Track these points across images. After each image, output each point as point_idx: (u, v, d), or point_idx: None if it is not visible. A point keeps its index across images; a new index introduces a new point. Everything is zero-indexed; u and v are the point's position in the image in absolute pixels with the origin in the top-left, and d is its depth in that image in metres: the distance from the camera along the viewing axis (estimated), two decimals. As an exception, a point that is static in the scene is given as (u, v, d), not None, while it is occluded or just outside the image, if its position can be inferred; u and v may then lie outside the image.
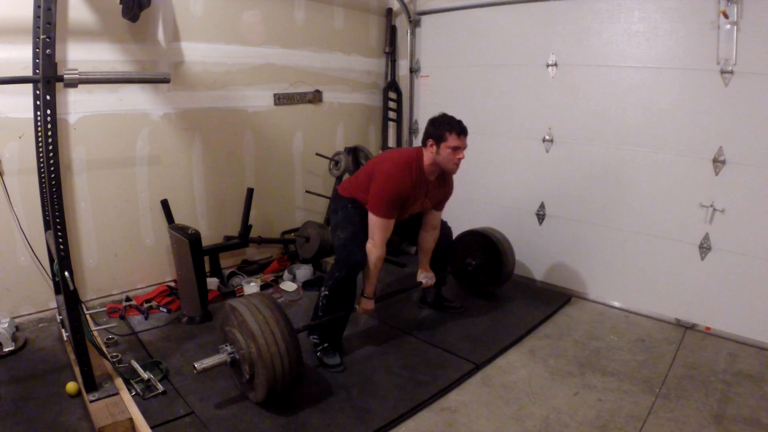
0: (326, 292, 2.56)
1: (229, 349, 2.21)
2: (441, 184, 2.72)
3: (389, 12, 4.40)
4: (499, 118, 3.83)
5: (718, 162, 2.87)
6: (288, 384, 2.15)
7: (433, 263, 2.99)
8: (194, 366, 2.13)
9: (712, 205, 2.92)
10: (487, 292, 3.44)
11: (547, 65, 3.49)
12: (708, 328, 3.01)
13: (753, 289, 2.84)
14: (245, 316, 2.11)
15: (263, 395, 2.12)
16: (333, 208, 2.80)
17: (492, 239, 3.32)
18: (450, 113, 2.71)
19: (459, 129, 2.48)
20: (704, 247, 3.00)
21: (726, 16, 2.69)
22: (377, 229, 2.51)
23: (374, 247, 2.53)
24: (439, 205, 2.83)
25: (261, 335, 2.06)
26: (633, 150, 3.19)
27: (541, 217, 3.71)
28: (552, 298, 3.48)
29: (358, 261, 2.54)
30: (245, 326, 2.11)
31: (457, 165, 2.56)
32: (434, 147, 2.51)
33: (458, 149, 2.50)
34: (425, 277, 2.93)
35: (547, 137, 3.58)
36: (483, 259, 3.35)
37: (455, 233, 3.26)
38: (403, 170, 2.53)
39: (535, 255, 3.74)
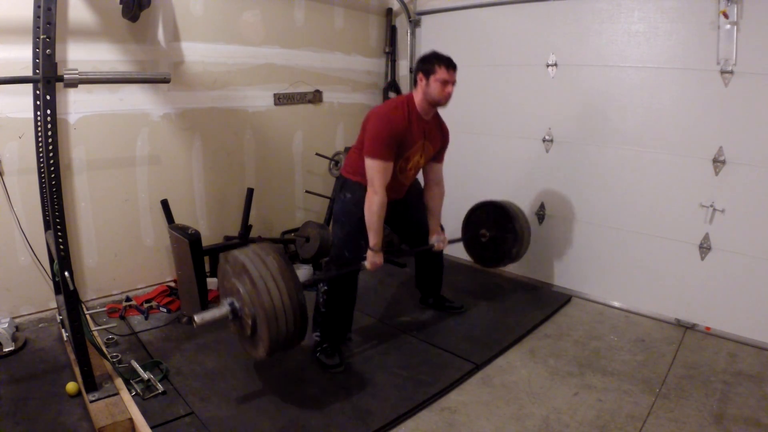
0: (325, 287, 2.56)
1: (229, 301, 2.12)
2: (437, 125, 2.67)
3: (389, 12, 4.40)
4: (499, 118, 3.83)
5: (718, 162, 2.87)
6: (292, 337, 2.06)
7: (426, 279, 3.01)
8: (193, 319, 2.03)
9: (712, 205, 2.92)
10: (510, 257, 3.36)
11: (547, 65, 3.49)
12: (708, 328, 3.01)
13: (753, 289, 2.84)
14: (247, 266, 2.02)
15: (265, 350, 2.02)
16: (335, 194, 2.74)
17: (498, 204, 3.32)
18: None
19: (448, 63, 2.46)
20: (704, 247, 3.00)
21: (726, 16, 2.69)
22: (375, 174, 2.39)
23: (374, 193, 2.39)
24: (439, 155, 2.76)
25: (261, 282, 1.96)
26: (633, 150, 3.19)
27: (541, 217, 3.71)
28: (552, 298, 3.47)
29: (350, 260, 2.53)
30: (247, 276, 2.01)
31: (446, 98, 2.50)
32: (424, 80, 2.47)
33: (447, 83, 2.46)
34: (437, 240, 2.84)
35: (547, 137, 3.58)
36: (498, 232, 3.32)
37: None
38: (393, 109, 2.47)
39: (535, 255, 3.73)
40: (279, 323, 1.97)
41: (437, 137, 2.67)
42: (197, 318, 2.03)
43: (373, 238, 2.46)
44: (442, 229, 2.92)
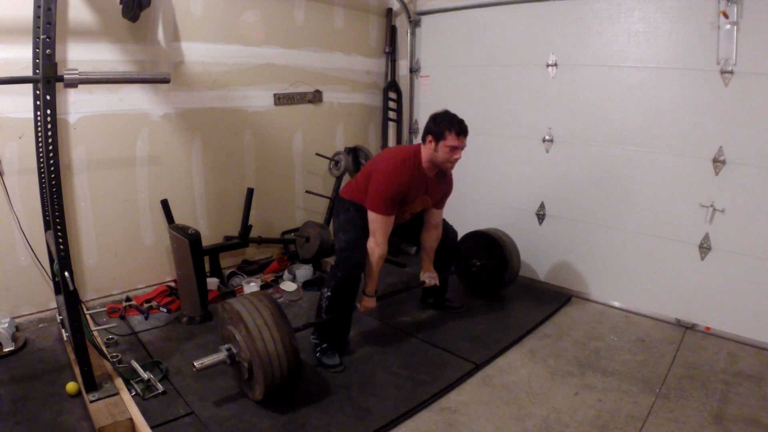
0: (329, 293, 2.56)
1: (227, 347, 2.22)
2: (440, 181, 2.70)
3: (389, 12, 4.40)
4: (499, 118, 3.83)
5: (718, 162, 2.87)
6: (287, 381, 2.14)
7: (436, 264, 2.98)
8: (194, 364, 2.13)
9: (712, 205, 2.92)
10: (492, 293, 3.41)
11: (547, 65, 3.49)
12: (708, 328, 3.01)
13: (753, 289, 2.84)
14: (242, 314, 2.12)
15: (261, 393, 2.12)
16: (335, 212, 2.80)
17: (497, 240, 3.30)
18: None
19: (459, 128, 2.46)
20: (704, 247, 3.00)
21: (726, 16, 2.69)
22: (378, 227, 2.50)
23: (376, 246, 2.52)
24: (440, 203, 2.82)
25: (256, 329, 2.08)
26: (633, 150, 3.19)
27: (541, 217, 3.71)
28: (552, 298, 3.47)
29: (358, 261, 2.54)
30: (242, 324, 2.11)
31: (452, 164, 2.55)
32: (433, 144, 2.50)
33: (456, 149, 2.48)
34: (428, 277, 2.92)
35: (547, 137, 3.58)
36: (488, 260, 3.32)
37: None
38: (400, 166, 2.52)
39: (535, 255, 3.73)
40: (274, 368, 2.08)
41: (439, 191, 2.74)
42: (197, 363, 2.15)
43: (370, 285, 2.61)
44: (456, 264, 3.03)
